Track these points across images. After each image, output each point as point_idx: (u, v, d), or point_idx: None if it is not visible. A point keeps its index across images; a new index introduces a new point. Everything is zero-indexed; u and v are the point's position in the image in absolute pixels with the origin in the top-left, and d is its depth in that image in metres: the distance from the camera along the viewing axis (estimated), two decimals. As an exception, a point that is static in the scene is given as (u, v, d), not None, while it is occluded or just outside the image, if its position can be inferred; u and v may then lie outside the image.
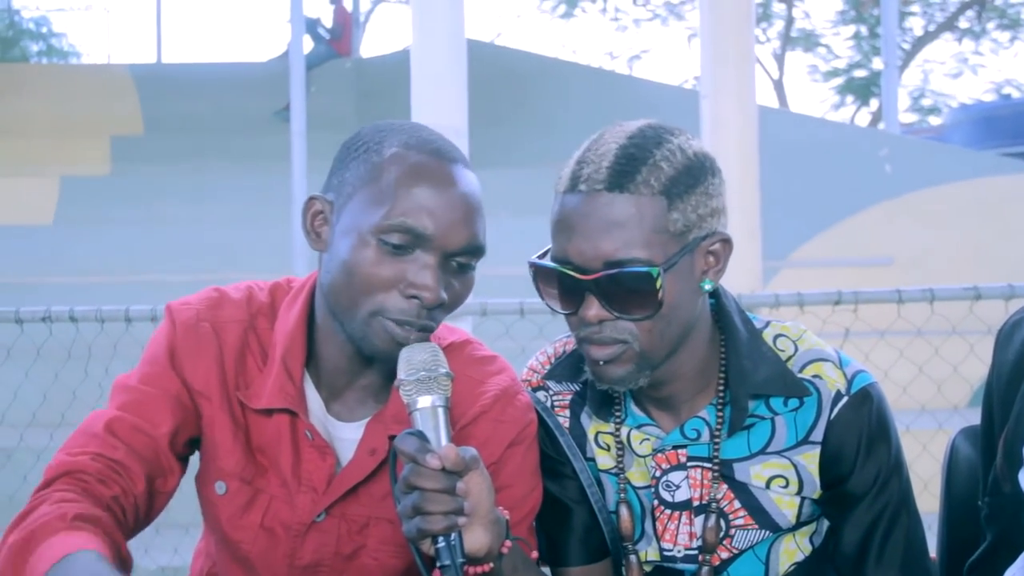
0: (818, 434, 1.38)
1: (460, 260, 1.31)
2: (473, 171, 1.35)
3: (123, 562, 1.20)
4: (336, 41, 10.63)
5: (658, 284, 1.26)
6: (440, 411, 1.22)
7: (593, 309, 1.29)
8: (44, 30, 18.87)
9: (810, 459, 1.38)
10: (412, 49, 4.37)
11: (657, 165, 1.28)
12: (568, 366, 1.46)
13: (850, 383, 1.38)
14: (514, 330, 3.18)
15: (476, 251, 1.31)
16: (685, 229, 1.29)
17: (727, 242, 1.33)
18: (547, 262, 1.32)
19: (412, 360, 1.24)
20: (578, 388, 1.47)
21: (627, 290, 1.27)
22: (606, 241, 1.27)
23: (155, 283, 5.89)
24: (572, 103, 8.62)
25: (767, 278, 6.04)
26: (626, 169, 1.27)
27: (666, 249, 1.28)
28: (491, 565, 1.28)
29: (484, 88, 6.56)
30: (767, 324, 1.44)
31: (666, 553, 1.43)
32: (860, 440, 1.37)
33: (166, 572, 3.47)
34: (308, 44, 9.69)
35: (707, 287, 1.33)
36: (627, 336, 1.30)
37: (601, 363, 1.31)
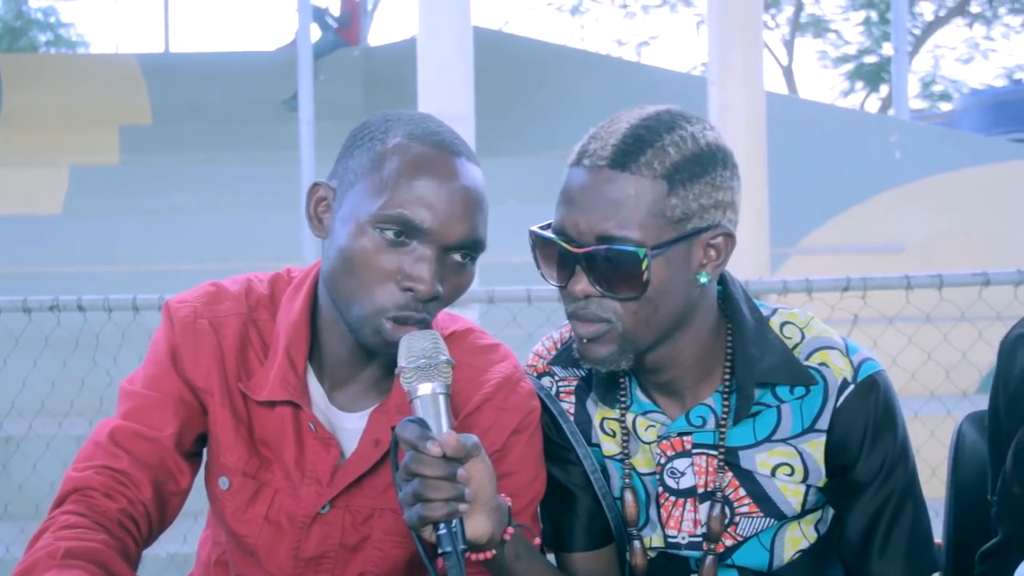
0: (824, 422, 1.37)
1: (459, 254, 1.30)
2: (478, 165, 1.34)
3: None
4: (344, 30, 10.59)
5: (644, 266, 1.26)
6: (441, 398, 1.21)
7: (581, 284, 1.29)
8: (52, 20, 18.88)
9: (816, 447, 1.38)
10: (419, 37, 4.36)
11: (664, 149, 1.27)
12: (575, 356, 1.45)
13: (856, 371, 1.37)
14: (521, 318, 3.18)
15: (475, 245, 1.30)
16: (684, 217, 1.28)
17: (730, 237, 1.32)
18: (545, 232, 1.32)
19: (412, 348, 1.23)
20: (584, 374, 1.47)
21: (614, 268, 1.27)
22: (600, 217, 1.26)
23: (164, 272, 5.90)
24: (580, 91, 8.59)
25: (777, 265, 6.02)
26: (631, 149, 1.27)
27: (660, 234, 1.27)
28: (493, 552, 1.28)
29: (492, 76, 6.53)
30: (774, 311, 1.43)
31: (670, 540, 1.43)
32: (866, 428, 1.36)
33: (176, 559, 3.48)
34: (316, 33, 9.65)
35: (703, 280, 1.31)
36: (611, 315, 1.29)
37: (585, 340, 1.32)
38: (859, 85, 17.93)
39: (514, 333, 2.78)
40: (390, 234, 1.27)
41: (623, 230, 1.26)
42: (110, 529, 1.25)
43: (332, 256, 1.31)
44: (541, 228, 1.34)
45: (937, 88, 18.04)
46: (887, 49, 15.72)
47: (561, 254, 1.30)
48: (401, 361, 1.23)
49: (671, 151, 1.27)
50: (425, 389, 1.21)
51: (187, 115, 9.21)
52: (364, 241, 1.27)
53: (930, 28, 16.79)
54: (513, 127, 8.24)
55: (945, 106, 17.16)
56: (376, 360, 1.37)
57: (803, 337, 1.40)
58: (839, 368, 1.37)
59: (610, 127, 1.31)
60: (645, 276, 1.26)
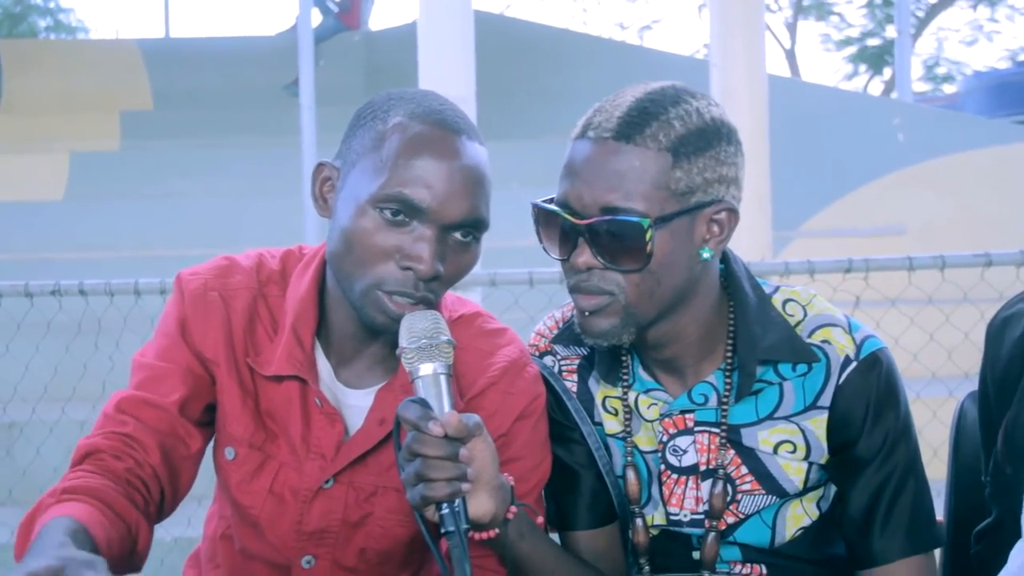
0: (826, 399, 1.37)
1: (460, 233, 1.30)
2: (481, 143, 1.34)
3: (125, 523, 1.23)
4: (345, 14, 10.54)
5: (647, 236, 1.26)
6: (442, 378, 1.22)
7: (584, 256, 1.29)
8: (51, 5, 18.82)
9: (818, 424, 1.38)
10: (419, 20, 4.35)
11: (669, 122, 1.28)
12: (577, 333, 1.45)
13: (859, 348, 1.37)
14: (523, 300, 3.18)
15: (476, 224, 1.30)
16: (688, 190, 1.28)
17: (733, 213, 1.32)
18: (548, 205, 1.32)
19: (413, 328, 1.24)
20: (586, 352, 1.47)
21: (617, 239, 1.27)
22: (604, 189, 1.27)
23: (165, 258, 5.89)
24: (582, 74, 8.55)
25: (780, 248, 6.00)
26: (636, 121, 1.28)
27: (664, 206, 1.27)
28: (496, 531, 1.28)
29: (494, 59, 6.50)
30: (776, 289, 1.43)
31: (672, 518, 1.43)
32: (868, 405, 1.37)
33: (180, 543, 3.48)
34: (317, 17, 9.62)
35: (706, 255, 1.32)
36: (614, 288, 1.30)
37: (587, 313, 1.32)
38: (862, 68, 17.86)
39: (516, 316, 2.77)
40: (389, 214, 1.27)
41: (627, 201, 1.26)
42: (118, 483, 1.27)
43: (335, 236, 1.32)
44: (544, 202, 1.34)
45: (940, 70, 17.97)
46: (890, 31, 15.63)
47: (564, 227, 1.31)
48: (402, 341, 1.24)
49: (676, 124, 1.28)
50: (426, 369, 1.22)
51: (188, 100, 9.19)
52: (364, 221, 1.28)
53: (933, 10, 16.70)
54: (515, 111, 8.22)
55: (948, 88, 17.13)
56: (382, 337, 1.37)
57: (805, 315, 1.40)
58: (841, 345, 1.37)
59: (615, 101, 1.31)
60: (648, 248, 1.27)
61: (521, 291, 3.12)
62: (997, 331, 1.36)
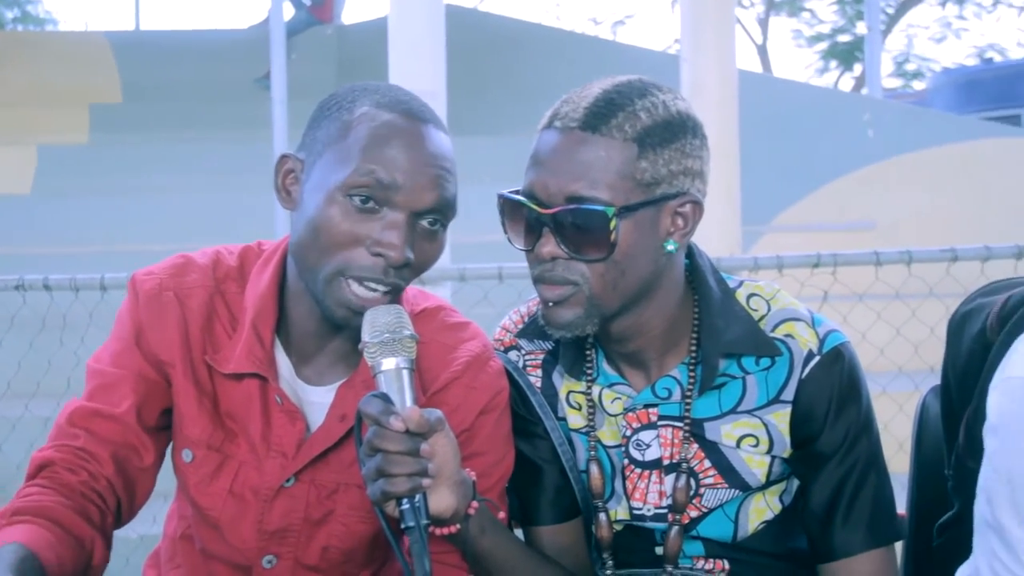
0: (789, 393, 1.38)
1: (428, 220, 1.29)
2: (446, 132, 1.34)
3: (78, 540, 1.23)
4: (317, 8, 10.48)
5: (611, 225, 1.26)
6: (404, 373, 1.21)
7: (548, 246, 1.29)
8: (19, -3, 18.59)
9: (781, 418, 1.38)
10: (390, 15, 4.33)
11: (635, 113, 1.28)
12: (541, 325, 1.44)
13: (822, 342, 1.38)
14: (492, 295, 3.17)
15: (444, 211, 1.30)
16: (653, 181, 1.28)
17: (697, 206, 1.32)
18: (513, 195, 1.32)
19: (376, 322, 1.23)
20: (550, 347, 1.47)
21: (582, 229, 1.27)
22: (569, 178, 1.27)
23: (135, 252, 5.83)
24: (555, 69, 8.54)
25: (750, 243, 6.03)
26: (603, 112, 1.28)
27: (628, 196, 1.27)
28: (457, 526, 1.28)
29: (466, 54, 6.49)
30: (741, 283, 1.43)
31: (636, 512, 1.43)
32: (831, 399, 1.37)
33: (146, 540, 3.45)
34: (289, 11, 9.56)
35: (670, 248, 1.32)
36: (578, 278, 1.30)
37: (551, 304, 1.32)
38: (833, 64, 17.97)
39: (485, 311, 2.77)
40: (358, 201, 1.26)
41: (592, 190, 1.26)
42: (71, 497, 1.27)
43: (300, 227, 1.31)
44: (510, 192, 1.34)
45: (910, 67, 18.12)
46: (861, 28, 15.77)
47: (529, 217, 1.31)
48: (365, 336, 1.23)
49: (642, 115, 1.28)
50: (389, 364, 1.21)
51: (158, 93, 9.10)
52: (333, 210, 1.27)
53: (903, 7, 16.81)
54: (487, 106, 8.21)
55: (918, 85, 17.27)
56: (343, 333, 1.36)
57: (769, 309, 1.40)
58: (804, 339, 1.38)
59: (582, 92, 1.32)
60: (612, 236, 1.27)
61: (490, 286, 3.12)
62: (957, 326, 1.37)
